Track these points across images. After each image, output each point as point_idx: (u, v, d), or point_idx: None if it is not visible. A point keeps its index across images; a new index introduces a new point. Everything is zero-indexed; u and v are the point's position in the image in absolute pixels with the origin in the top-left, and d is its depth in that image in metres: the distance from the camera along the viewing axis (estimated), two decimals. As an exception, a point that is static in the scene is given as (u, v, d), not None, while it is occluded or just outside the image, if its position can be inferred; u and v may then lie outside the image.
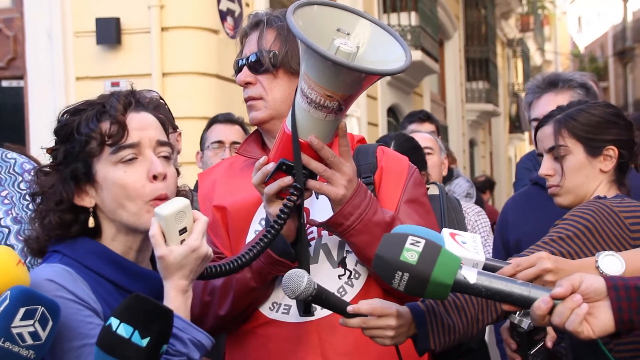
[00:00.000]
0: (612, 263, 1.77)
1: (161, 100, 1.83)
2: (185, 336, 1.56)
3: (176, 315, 1.56)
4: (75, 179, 1.66)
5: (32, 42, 6.62)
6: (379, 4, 10.73)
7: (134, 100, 1.70)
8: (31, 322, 1.38)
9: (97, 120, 1.65)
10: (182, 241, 1.58)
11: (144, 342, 1.41)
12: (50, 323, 1.40)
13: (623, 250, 1.96)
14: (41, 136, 6.54)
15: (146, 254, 1.74)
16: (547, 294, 1.42)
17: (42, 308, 1.40)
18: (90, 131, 1.64)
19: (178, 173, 1.76)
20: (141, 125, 1.67)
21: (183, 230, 1.58)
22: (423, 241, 1.45)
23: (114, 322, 1.42)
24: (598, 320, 1.40)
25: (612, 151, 2.19)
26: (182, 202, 1.59)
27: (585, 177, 2.19)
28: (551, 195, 2.28)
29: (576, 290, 1.41)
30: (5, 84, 6.91)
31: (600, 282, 1.42)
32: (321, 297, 1.68)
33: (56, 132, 1.71)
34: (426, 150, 3.54)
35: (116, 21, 6.39)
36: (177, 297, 1.60)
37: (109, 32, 6.37)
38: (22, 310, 1.37)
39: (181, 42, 6.43)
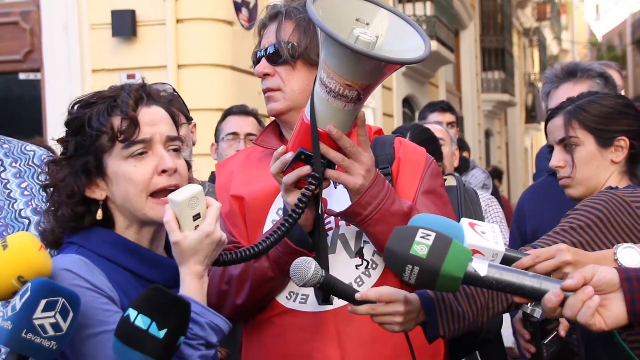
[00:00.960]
0: (631, 255, 1.77)
1: (174, 93, 1.83)
2: (203, 320, 1.58)
3: (193, 300, 1.58)
4: (87, 171, 1.67)
5: (49, 35, 6.67)
6: (394, -6, 10.69)
7: (145, 95, 1.71)
8: (52, 313, 1.40)
9: (108, 114, 1.66)
10: (196, 227, 1.59)
11: (162, 334, 1.42)
12: (71, 314, 1.42)
13: (635, 239, 1.96)
14: (58, 128, 6.54)
15: (159, 243, 1.75)
16: (558, 286, 1.41)
17: (63, 299, 1.41)
18: (101, 126, 1.65)
19: (189, 166, 1.77)
20: (152, 121, 1.68)
21: (197, 216, 1.60)
22: (433, 234, 1.45)
23: (132, 313, 1.43)
24: (610, 312, 1.39)
25: (623, 142, 2.18)
26: (195, 188, 1.60)
27: (596, 168, 2.19)
28: (562, 187, 2.27)
29: (588, 282, 1.40)
30: (22, 76, 6.96)
31: (613, 274, 1.41)
32: (329, 284, 1.69)
33: (67, 124, 1.71)
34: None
35: (131, 13, 6.41)
36: (193, 282, 1.61)
37: (125, 24, 6.40)
38: (43, 302, 1.39)
39: (196, 33, 6.45)
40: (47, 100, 6.73)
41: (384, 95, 9.83)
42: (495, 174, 11.71)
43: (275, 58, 1.99)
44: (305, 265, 1.66)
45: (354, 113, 1.77)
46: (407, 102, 11.58)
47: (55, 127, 6.53)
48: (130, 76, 6.42)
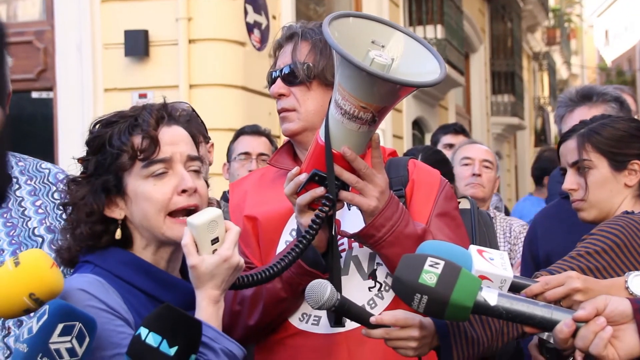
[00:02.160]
0: None
1: (193, 112, 1.83)
2: (217, 346, 1.57)
3: (208, 325, 1.57)
4: (106, 190, 1.67)
5: (62, 54, 6.72)
6: (405, 17, 10.74)
7: (166, 114, 1.72)
8: (69, 338, 1.39)
9: (129, 133, 1.66)
10: (214, 251, 1.59)
11: (172, 351, 1.42)
12: (87, 339, 1.41)
13: None
14: (70, 147, 6.62)
15: (176, 264, 1.74)
16: (570, 317, 1.39)
17: (80, 324, 1.40)
18: (122, 144, 1.65)
19: (208, 185, 1.77)
20: (173, 140, 1.68)
21: (215, 240, 1.59)
22: (442, 262, 1.44)
23: (143, 331, 1.43)
24: (623, 344, 1.37)
25: (637, 165, 2.18)
26: (215, 212, 1.60)
27: (609, 191, 2.18)
28: (575, 210, 2.26)
29: (600, 313, 1.38)
30: (35, 95, 7.01)
31: (626, 305, 1.39)
32: (344, 307, 1.68)
33: (88, 143, 1.72)
34: (485, 164, 3.56)
35: (144, 33, 6.46)
36: (208, 307, 1.60)
37: (137, 44, 6.44)
38: (60, 326, 1.38)
39: (208, 54, 6.48)
40: (59, 119, 6.77)
41: (394, 117, 9.85)
42: None
43: (290, 79, 1.99)
44: (321, 288, 1.65)
45: (369, 135, 1.77)
46: (417, 125, 11.58)
47: (67, 145, 6.59)
48: (142, 95, 6.45)
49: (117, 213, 1.68)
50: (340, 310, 1.68)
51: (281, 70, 2.01)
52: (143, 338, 1.42)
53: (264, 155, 3.81)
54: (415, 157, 3.12)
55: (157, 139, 1.66)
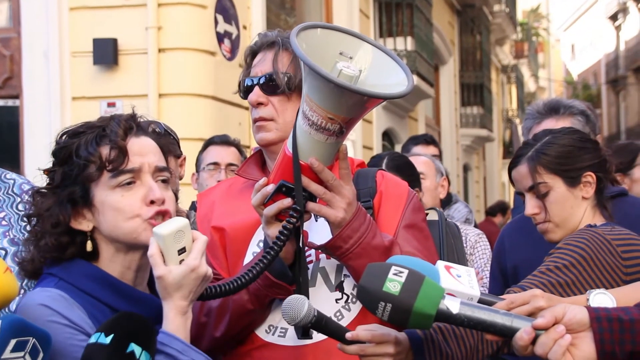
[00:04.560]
0: (604, 301, 1.78)
1: (167, 131, 1.81)
2: (185, 358, 1.55)
3: (175, 337, 1.55)
4: (73, 202, 1.65)
5: (29, 62, 6.64)
6: (375, 28, 10.81)
7: (134, 125, 1.70)
8: (22, 353, 1.36)
9: (96, 144, 1.64)
10: (181, 261, 1.57)
11: (108, 340, 1.41)
12: (41, 355, 1.38)
13: (617, 278, 1.99)
14: (36, 156, 6.53)
15: (144, 274, 1.72)
16: (529, 324, 1.43)
17: (34, 339, 1.37)
18: (89, 155, 1.63)
19: (176, 197, 1.76)
20: (141, 151, 1.67)
21: (182, 250, 1.57)
22: (406, 271, 1.46)
23: (93, 336, 1.44)
24: (580, 352, 1.41)
25: (590, 177, 2.21)
26: (181, 221, 1.58)
27: (570, 208, 2.21)
28: (541, 233, 2.28)
29: (559, 321, 1.42)
30: (0, 103, 6.91)
31: (583, 313, 1.43)
32: (321, 323, 1.67)
33: (54, 153, 1.70)
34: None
35: (113, 42, 6.41)
36: (176, 318, 1.58)
37: (106, 53, 6.39)
38: (13, 342, 1.35)
39: (178, 63, 6.45)
40: (25, 128, 6.67)
41: (364, 128, 9.89)
42: (498, 208, 11.77)
43: (271, 88, 1.97)
44: (298, 304, 1.63)
45: (336, 146, 1.77)
46: (387, 135, 11.64)
47: (33, 154, 6.49)
48: (110, 104, 6.39)
49: (84, 225, 1.66)
50: (317, 327, 1.67)
51: (260, 79, 1.99)
52: (90, 340, 1.44)
53: (233, 166, 3.79)
54: (381, 161, 3.12)
55: (125, 149, 1.64)
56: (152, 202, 1.64)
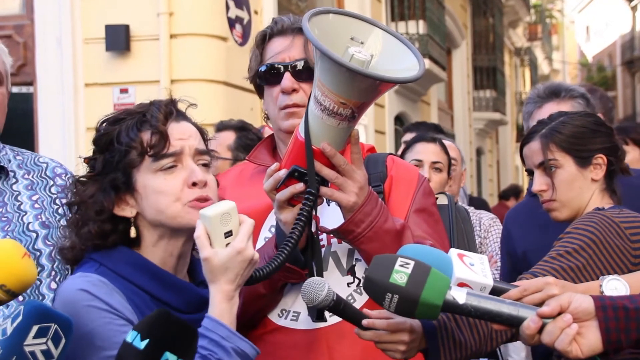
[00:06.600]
0: (617, 287, 1.79)
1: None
2: (229, 345, 1.55)
3: (220, 322, 1.55)
4: (116, 188, 1.66)
5: (42, 49, 6.66)
6: (387, 12, 10.75)
7: (174, 109, 1.71)
8: (44, 340, 1.36)
9: (137, 129, 1.66)
10: (227, 244, 1.57)
11: (143, 345, 1.39)
12: (63, 340, 1.38)
13: (626, 261, 2.00)
14: (50, 142, 6.57)
15: (185, 262, 1.72)
16: (535, 313, 1.45)
17: (56, 325, 1.37)
18: (130, 141, 1.65)
19: (218, 183, 1.76)
20: (182, 135, 1.68)
21: (229, 234, 1.57)
22: (412, 263, 1.48)
23: (131, 334, 1.40)
24: (586, 340, 1.43)
25: (601, 159, 2.21)
26: (228, 204, 1.58)
27: (578, 188, 2.21)
28: (546, 210, 2.28)
29: (564, 310, 1.44)
30: (14, 90, 6.94)
31: (588, 302, 1.44)
32: (339, 306, 1.68)
33: (95, 141, 1.71)
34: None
35: (125, 28, 6.42)
36: (221, 303, 1.57)
37: (118, 39, 6.40)
38: (35, 328, 1.35)
39: (190, 49, 6.46)
40: (39, 114, 6.71)
41: (376, 112, 9.87)
42: (512, 192, 11.74)
43: (304, 74, 1.95)
44: (318, 287, 1.64)
45: (348, 131, 1.77)
46: (399, 120, 11.61)
47: (47, 140, 6.54)
48: (123, 91, 6.41)
49: (127, 211, 1.67)
50: (335, 310, 1.68)
51: (292, 64, 1.97)
52: (127, 339, 1.40)
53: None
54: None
55: (166, 134, 1.65)
56: (194, 184, 1.65)
